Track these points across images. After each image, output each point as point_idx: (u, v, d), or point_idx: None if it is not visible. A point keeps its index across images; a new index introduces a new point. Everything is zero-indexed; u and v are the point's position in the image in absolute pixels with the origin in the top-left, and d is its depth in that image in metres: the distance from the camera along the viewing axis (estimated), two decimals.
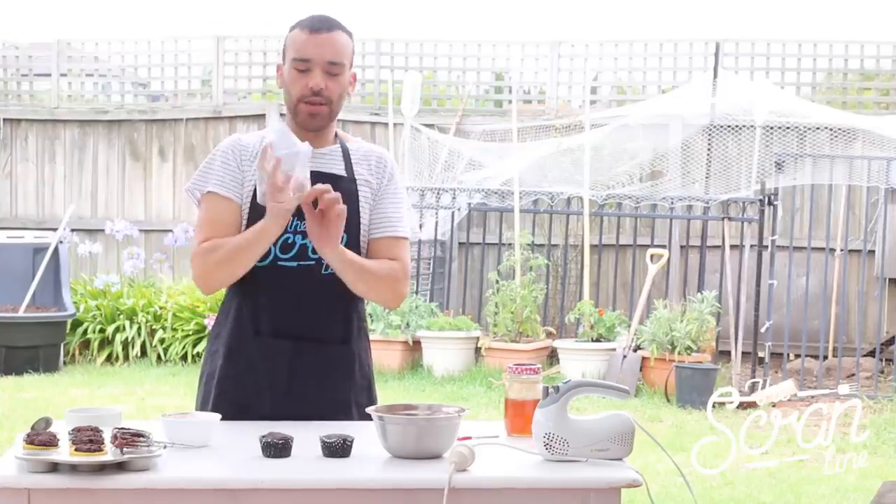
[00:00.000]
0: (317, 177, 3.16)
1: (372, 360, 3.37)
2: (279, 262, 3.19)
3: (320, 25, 3.19)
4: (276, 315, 3.17)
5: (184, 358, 10.22)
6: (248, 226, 3.17)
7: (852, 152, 10.03)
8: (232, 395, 3.18)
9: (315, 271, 3.19)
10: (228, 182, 3.19)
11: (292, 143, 3.02)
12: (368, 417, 2.85)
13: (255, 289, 3.19)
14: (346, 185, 3.20)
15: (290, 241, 3.19)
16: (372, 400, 3.25)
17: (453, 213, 10.70)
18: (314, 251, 3.17)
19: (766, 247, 9.53)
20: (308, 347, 3.16)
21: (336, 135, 3.30)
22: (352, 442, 2.74)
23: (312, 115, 3.17)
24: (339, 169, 3.24)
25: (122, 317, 10.40)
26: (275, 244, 3.16)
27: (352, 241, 3.21)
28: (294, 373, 3.15)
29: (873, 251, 10.37)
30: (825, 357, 9.88)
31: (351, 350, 3.24)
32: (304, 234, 3.16)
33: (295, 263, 3.19)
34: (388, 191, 3.27)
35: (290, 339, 3.16)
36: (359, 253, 3.22)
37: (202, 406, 3.25)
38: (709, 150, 10.46)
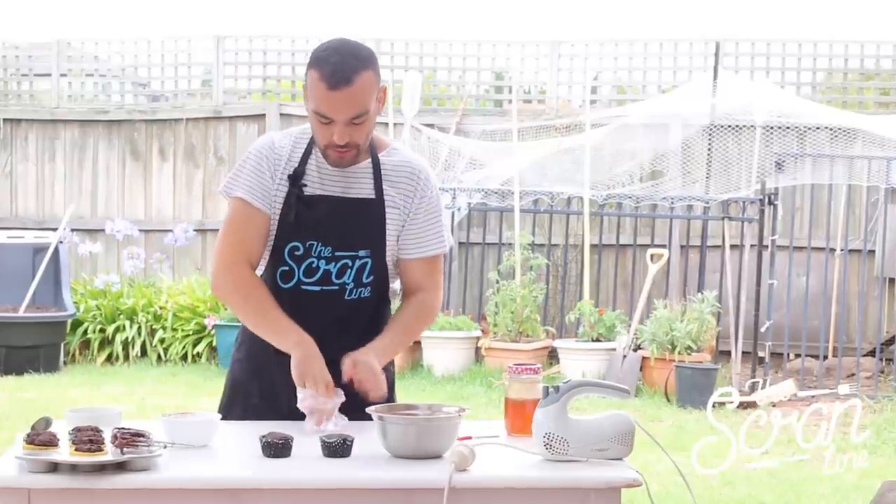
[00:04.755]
0: (345, 202, 3.17)
1: (394, 367, 3.37)
2: (303, 287, 3.18)
3: (339, 80, 3.01)
4: None
5: (184, 358, 10.22)
6: (278, 237, 3.16)
7: (852, 152, 10.02)
8: (254, 414, 3.18)
9: (338, 296, 3.19)
10: (257, 190, 3.17)
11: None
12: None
13: None
14: (374, 209, 3.18)
15: (313, 266, 3.18)
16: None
17: (453, 212, 10.69)
18: (338, 276, 3.17)
19: (766, 247, 9.53)
20: (330, 370, 3.09)
21: (370, 143, 3.23)
22: (352, 442, 2.75)
23: (341, 158, 3.13)
24: (367, 190, 3.19)
25: (122, 317, 10.39)
26: (298, 268, 3.17)
27: (377, 261, 3.20)
28: None
29: (873, 251, 10.37)
30: (825, 357, 9.88)
31: None
32: (328, 260, 3.17)
33: (318, 288, 3.18)
34: (421, 209, 3.22)
35: None
36: (385, 271, 3.21)
37: (225, 411, 3.24)
38: (709, 150, 10.46)
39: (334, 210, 3.17)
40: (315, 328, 3.16)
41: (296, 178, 3.16)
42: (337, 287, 3.18)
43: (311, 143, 3.20)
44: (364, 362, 3.08)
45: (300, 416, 3.06)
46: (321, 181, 3.19)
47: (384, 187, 3.20)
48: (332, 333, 3.18)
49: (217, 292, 3.26)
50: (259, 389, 3.20)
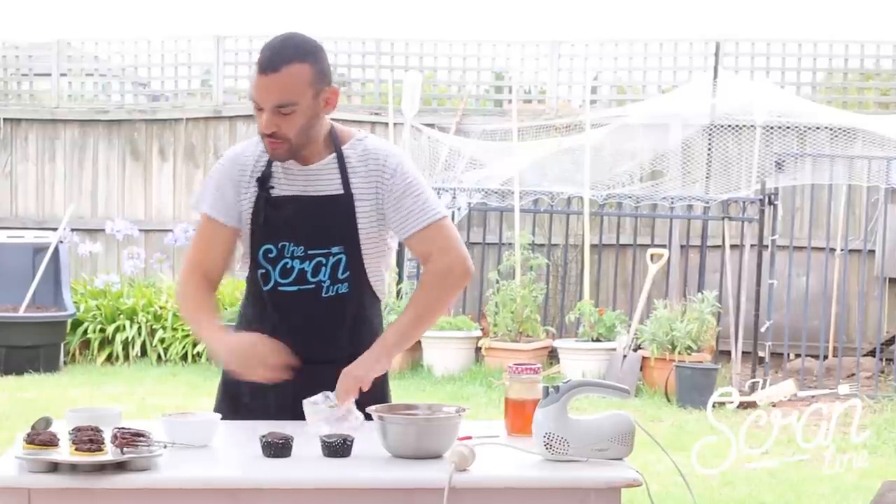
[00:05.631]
0: (312, 200, 3.17)
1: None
2: (280, 288, 3.20)
3: (267, 65, 3.04)
4: (282, 338, 3.14)
5: (184, 358, 10.22)
6: (252, 241, 3.20)
7: (852, 152, 10.02)
8: (244, 414, 3.18)
9: (315, 294, 3.19)
10: (219, 205, 3.22)
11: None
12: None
13: (262, 311, 3.23)
14: (343, 204, 3.17)
15: (288, 266, 3.19)
16: (386, 401, 3.23)
17: (453, 212, 10.68)
18: (313, 275, 3.18)
19: (767, 246, 9.53)
20: (314, 369, 3.10)
21: (333, 137, 3.21)
22: (352, 442, 2.75)
23: (273, 150, 3.14)
24: (334, 186, 3.18)
25: (122, 316, 10.39)
26: (273, 269, 3.20)
27: (352, 256, 3.20)
28: (299, 394, 3.05)
29: (873, 251, 10.36)
30: (825, 357, 9.88)
31: None
32: (302, 259, 3.18)
33: (295, 288, 3.19)
34: (397, 188, 3.18)
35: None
36: (362, 265, 3.20)
37: (218, 410, 3.25)
38: (709, 149, 10.46)
39: (302, 209, 3.18)
40: (297, 328, 3.17)
41: (263, 181, 3.19)
42: (313, 285, 3.19)
43: None
44: (347, 375, 3.07)
45: (288, 414, 3.07)
46: (288, 182, 3.19)
47: (352, 181, 3.18)
48: (315, 332, 3.18)
49: (177, 296, 3.41)
50: (249, 389, 3.20)
